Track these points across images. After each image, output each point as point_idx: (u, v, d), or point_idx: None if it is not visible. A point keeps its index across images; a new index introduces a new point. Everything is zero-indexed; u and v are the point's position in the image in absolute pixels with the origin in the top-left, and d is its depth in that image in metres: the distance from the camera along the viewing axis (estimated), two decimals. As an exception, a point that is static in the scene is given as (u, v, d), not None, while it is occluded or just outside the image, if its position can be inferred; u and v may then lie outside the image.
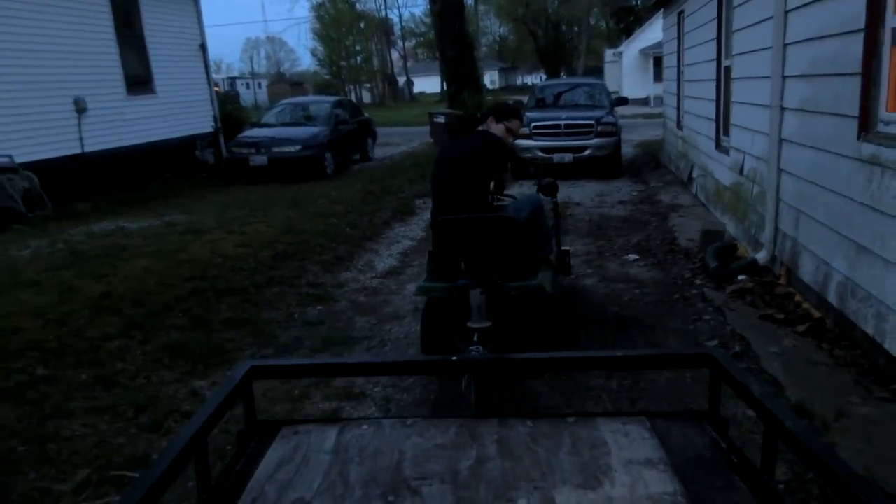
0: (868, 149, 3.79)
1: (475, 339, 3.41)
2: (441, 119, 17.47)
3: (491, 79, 65.26)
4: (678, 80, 11.47)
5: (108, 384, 3.95)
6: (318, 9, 58.38)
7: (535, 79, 57.91)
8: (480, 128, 4.18)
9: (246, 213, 9.16)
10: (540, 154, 12.01)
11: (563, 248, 5.11)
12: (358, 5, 58.25)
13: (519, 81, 73.12)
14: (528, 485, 1.14)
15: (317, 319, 5.29)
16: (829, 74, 4.33)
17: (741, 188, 6.78)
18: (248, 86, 56.03)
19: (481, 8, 57.28)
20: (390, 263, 6.99)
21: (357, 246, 7.58)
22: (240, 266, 6.28)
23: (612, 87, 40.27)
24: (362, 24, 57.56)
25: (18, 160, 9.93)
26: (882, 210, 3.66)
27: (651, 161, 14.01)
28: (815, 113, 4.61)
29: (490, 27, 71.30)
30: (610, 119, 12.53)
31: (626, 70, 38.06)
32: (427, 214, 6.87)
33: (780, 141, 5.34)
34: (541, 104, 13.91)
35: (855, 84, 3.92)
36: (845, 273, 4.16)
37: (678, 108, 11.50)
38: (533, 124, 12.11)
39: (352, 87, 58.08)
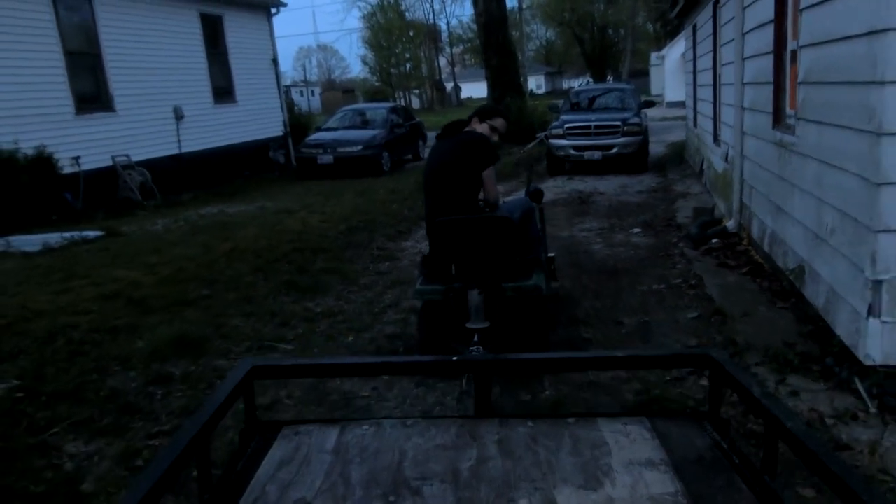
0: (778, 135, 5.37)
1: (476, 339, 3.46)
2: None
3: (537, 83, 66.58)
4: (694, 84, 12.96)
5: (248, 301, 5.79)
6: (369, 18, 60.83)
7: (581, 82, 58.98)
8: (466, 129, 4.23)
9: (321, 199, 11.06)
10: (572, 152, 13.63)
11: (549, 254, 5.05)
12: (407, 14, 60.52)
13: (565, 85, 74.14)
14: (529, 485, 1.14)
15: (385, 270, 7.07)
16: (761, 82, 5.92)
17: (727, 173, 8.31)
18: (301, 93, 58.64)
19: (528, 13, 58.70)
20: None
21: (413, 224, 9.36)
22: (325, 234, 8.15)
23: (656, 90, 41.23)
24: (411, 33, 59.60)
25: (133, 159, 12.07)
26: (786, 178, 5.24)
27: (675, 158, 15.46)
28: (756, 110, 6.20)
29: (536, 31, 72.35)
30: (636, 120, 14.02)
31: (669, 73, 39.00)
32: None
33: (742, 133, 6.91)
34: (575, 107, 15.51)
35: (770, 90, 5.51)
36: (771, 227, 5.74)
37: (694, 110, 12.99)
38: (566, 125, 13.74)
39: (401, 92, 60.08)
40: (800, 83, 4.75)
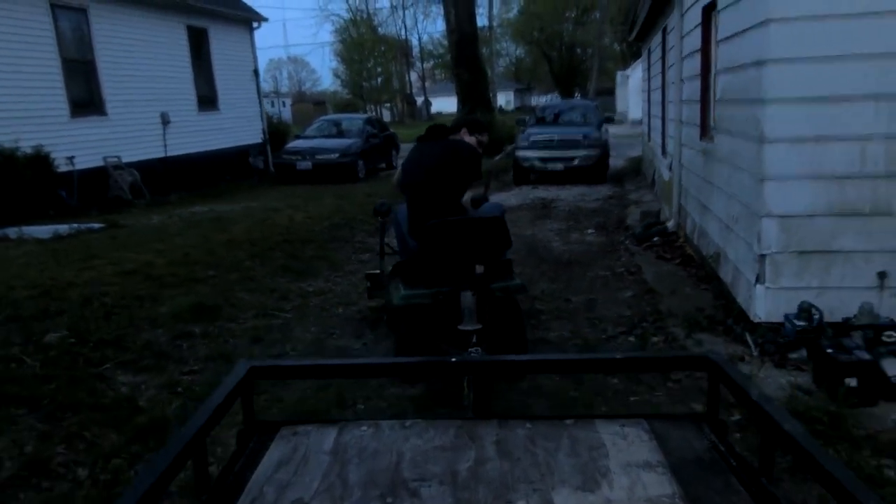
0: (703, 145, 6.41)
1: (473, 340, 3.44)
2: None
3: (506, 99, 67.95)
4: (648, 102, 14.13)
5: (250, 280, 6.62)
6: (341, 32, 61.73)
7: (549, 99, 60.42)
8: (454, 137, 4.29)
9: (303, 201, 11.89)
10: (537, 163, 14.67)
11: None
12: (380, 29, 61.58)
13: (534, 102, 75.63)
14: (527, 486, 1.15)
15: (367, 260, 7.90)
16: (693, 100, 6.97)
17: (671, 181, 9.37)
18: (272, 104, 59.05)
19: (498, 31, 60.14)
20: (415, 234, 9.66)
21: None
22: (311, 229, 9.00)
23: (621, 108, 42.60)
24: (383, 48, 60.57)
25: (123, 161, 12.76)
26: (709, 181, 6.26)
27: (633, 171, 16.60)
28: (690, 124, 7.25)
29: (506, 49, 73.76)
30: (596, 134, 15.13)
31: (632, 92, 40.58)
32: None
33: (681, 145, 7.96)
34: (540, 122, 16.58)
35: (698, 107, 6.55)
36: (699, 223, 6.76)
37: (648, 126, 14.15)
38: (532, 138, 14.78)
39: (372, 106, 60.87)
40: (717, 101, 5.79)
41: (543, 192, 13.54)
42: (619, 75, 47.95)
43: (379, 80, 62.83)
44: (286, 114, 58.32)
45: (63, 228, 8.55)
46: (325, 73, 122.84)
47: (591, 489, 1.13)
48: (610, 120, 17.17)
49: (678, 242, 7.85)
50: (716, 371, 1.39)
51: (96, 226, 9.01)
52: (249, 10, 18.37)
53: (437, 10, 62.02)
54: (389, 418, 1.43)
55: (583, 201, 12.45)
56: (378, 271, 5.36)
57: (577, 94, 56.14)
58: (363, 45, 59.19)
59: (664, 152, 10.63)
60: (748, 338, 4.50)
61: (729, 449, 1.29)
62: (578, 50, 63.29)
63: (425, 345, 3.76)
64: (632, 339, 4.87)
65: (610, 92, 52.34)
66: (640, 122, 30.31)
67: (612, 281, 6.63)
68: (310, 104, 66.19)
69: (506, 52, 74.14)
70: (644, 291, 6.10)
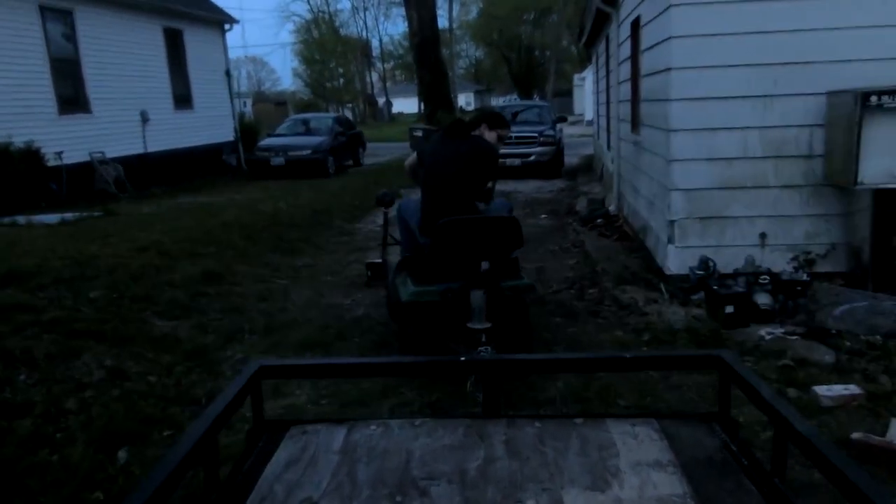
0: (634, 137, 7.60)
1: (483, 339, 3.43)
2: (420, 133, 21.19)
3: (466, 100, 69.01)
4: (597, 103, 15.41)
5: (245, 256, 7.59)
6: (303, 32, 62.21)
7: (508, 99, 61.49)
8: (474, 133, 4.21)
9: (281, 193, 12.82)
10: (495, 158, 15.80)
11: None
12: (341, 30, 62.24)
13: (493, 103, 76.79)
14: (537, 486, 1.15)
15: (346, 242, 8.96)
16: (627, 100, 8.17)
17: (613, 172, 10.59)
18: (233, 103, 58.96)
19: (458, 33, 61.27)
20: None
21: (364, 211, 11.27)
22: (294, 216, 9.98)
23: (578, 109, 43.99)
24: (340, 47, 60.92)
25: (107, 156, 13.51)
26: (638, 167, 7.45)
27: (585, 167, 17.90)
28: (625, 121, 8.46)
29: (466, 50, 74.82)
30: (551, 132, 16.36)
31: (588, 93, 42.12)
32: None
33: (619, 139, 9.17)
34: (499, 121, 17.74)
35: (629, 105, 7.75)
36: (633, 204, 7.95)
37: (597, 125, 15.43)
38: (490, 135, 15.91)
39: (334, 106, 61.31)
40: (642, 101, 6.98)
41: (502, 186, 14.54)
42: (576, 77, 49.39)
43: (340, 80, 63.43)
44: (247, 113, 58.56)
45: (68, 216, 9.37)
46: (286, 74, 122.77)
47: (601, 489, 1.13)
48: (564, 119, 18.45)
49: (618, 223, 9.05)
50: (727, 370, 1.38)
51: (96, 213, 9.84)
52: (222, 12, 19.18)
53: (398, 12, 63.01)
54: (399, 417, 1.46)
55: (538, 193, 13.64)
56: (380, 260, 5.35)
57: (535, 96, 57.48)
58: (325, 45, 59.75)
59: (609, 147, 11.87)
60: (662, 286, 5.68)
61: (741, 448, 1.29)
62: (537, 52, 64.52)
63: (433, 342, 3.74)
64: (572, 291, 6.02)
65: (568, 93, 53.80)
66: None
67: (560, 253, 7.79)
68: (271, 104, 66.28)
69: (466, 54, 75.24)
70: (585, 260, 7.27)
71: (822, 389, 3.71)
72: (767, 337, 4.54)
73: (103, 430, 3.27)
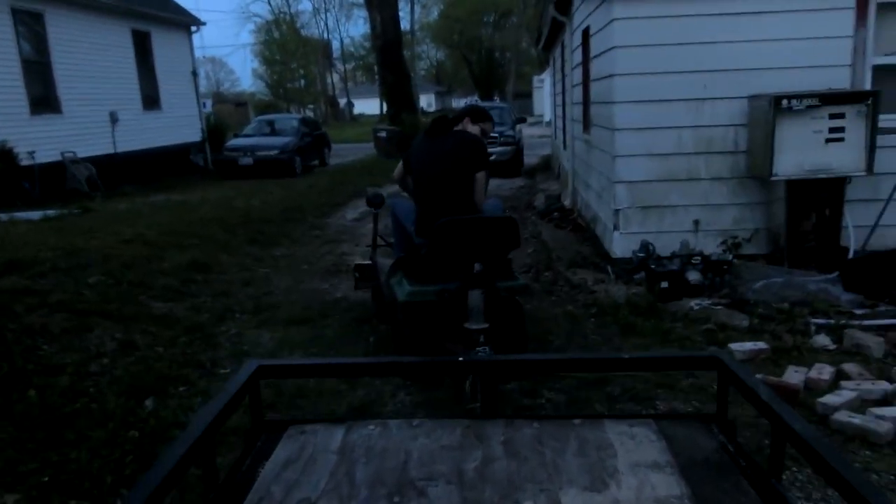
0: (585, 136, 8.32)
1: (481, 340, 3.44)
2: (383, 134, 21.76)
3: (428, 101, 69.55)
4: (554, 105, 16.18)
5: (227, 247, 8.09)
6: (264, 33, 62.05)
7: (469, 101, 61.84)
8: (457, 128, 4.24)
9: (252, 192, 13.27)
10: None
11: None
12: (302, 31, 62.25)
13: (454, 104, 77.48)
14: (535, 486, 1.15)
15: (318, 236, 9.51)
16: (579, 102, 8.89)
17: (568, 169, 11.33)
18: (193, 104, 58.47)
19: (419, 34, 61.84)
20: (352, 216, 11.25)
21: (333, 207, 11.83)
22: (267, 212, 10.48)
23: (538, 111, 44.87)
24: (301, 49, 60.89)
25: (79, 156, 13.78)
26: (589, 164, 8.16)
27: (544, 167, 18.68)
28: (577, 121, 9.18)
29: (427, 52, 75.31)
30: (511, 133, 17.08)
31: (547, 95, 43.10)
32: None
33: (573, 138, 9.89)
34: (461, 121, 18.41)
35: (581, 108, 8.47)
36: (585, 197, 8.67)
37: (555, 126, 16.20)
38: (453, 136, 16.56)
39: (296, 107, 61.21)
40: (591, 103, 7.69)
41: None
42: (536, 79, 50.35)
43: (302, 81, 63.41)
44: (212, 114, 58.13)
45: (50, 212, 9.71)
46: (245, 75, 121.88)
47: (599, 489, 1.13)
48: (523, 120, 19.20)
49: (572, 216, 9.77)
50: (725, 371, 1.39)
51: (75, 210, 10.19)
52: (188, 14, 19.46)
53: (359, 13, 63.31)
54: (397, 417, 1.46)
55: (499, 190, 14.30)
56: (369, 262, 5.20)
57: (496, 97, 58.33)
58: (286, 46, 59.69)
59: (565, 146, 12.61)
60: (609, 268, 6.38)
61: (738, 449, 1.30)
62: (497, 54, 65.27)
63: (429, 343, 3.76)
64: (529, 274, 6.69)
65: (528, 95, 54.77)
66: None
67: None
68: (231, 105, 65.95)
69: (427, 55, 75.81)
70: (542, 248, 7.95)
71: (736, 346, 4.44)
72: (696, 307, 5.27)
73: (129, 385, 3.81)
